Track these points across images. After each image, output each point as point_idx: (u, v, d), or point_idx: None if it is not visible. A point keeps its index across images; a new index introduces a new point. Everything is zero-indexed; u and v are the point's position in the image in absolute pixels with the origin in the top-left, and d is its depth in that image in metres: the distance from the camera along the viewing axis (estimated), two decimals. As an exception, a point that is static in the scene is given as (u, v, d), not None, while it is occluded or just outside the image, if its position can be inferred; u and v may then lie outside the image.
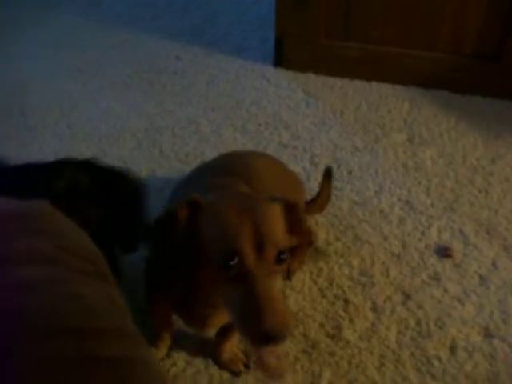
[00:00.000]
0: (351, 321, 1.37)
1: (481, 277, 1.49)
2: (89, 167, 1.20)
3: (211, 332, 1.26)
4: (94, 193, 1.15)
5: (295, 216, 0.95)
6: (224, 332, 1.23)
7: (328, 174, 1.56)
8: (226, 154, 1.49)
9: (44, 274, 0.54)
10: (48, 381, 0.46)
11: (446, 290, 1.45)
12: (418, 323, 1.37)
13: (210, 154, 1.81)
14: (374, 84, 2.24)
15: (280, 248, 0.86)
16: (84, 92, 2.21)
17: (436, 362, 1.29)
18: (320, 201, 1.56)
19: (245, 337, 0.86)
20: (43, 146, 1.91)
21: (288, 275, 1.45)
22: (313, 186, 1.68)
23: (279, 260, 0.86)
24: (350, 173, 1.81)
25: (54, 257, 0.57)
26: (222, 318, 1.04)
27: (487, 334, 1.35)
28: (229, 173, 1.20)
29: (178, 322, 1.32)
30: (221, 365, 1.27)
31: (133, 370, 0.51)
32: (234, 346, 1.28)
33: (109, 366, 0.49)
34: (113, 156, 1.85)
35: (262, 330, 0.79)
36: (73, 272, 0.57)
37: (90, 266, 0.59)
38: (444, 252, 1.54)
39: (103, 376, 0.48)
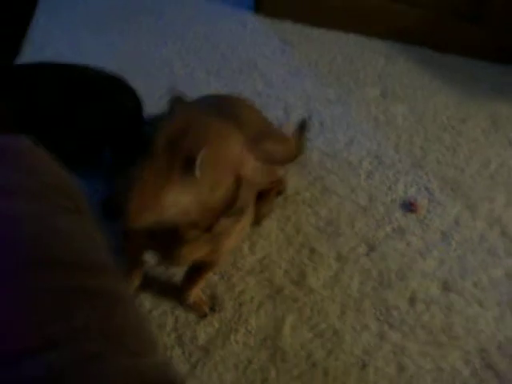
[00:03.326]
0: (315, 269, 1.40)
1: (443, 233, 1.53)
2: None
3: (176, 272, 1.29)
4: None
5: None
6: (190, 277, 1.25)
7: (302, 126, 1.57)
8: (208, 95, 1.47)
9: (29, 208, 0.54)
10: (34, 310, 0.47)
11: (408, 244, 1.49)
12: (380, 274, 1.41)
13: (184, 98, 1.80)
14: (352, 36, 2.22)
15: (190, 157, 0.83)
16: (56, 28, 2.14)
17: (395, 312, 1.33)
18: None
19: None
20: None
21: (257, 220, 1.48)
22: (285, 136, 1.68)
23: (188, 165, 0.83)
24: (321, 124, 1.81)
25: (37, 192, 0.57)
26: (192, 248, 1.04)
27: (445, 288, 1.40)
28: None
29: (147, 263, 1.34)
30: (187, 307, 1.29)
31: (110, 302, 0.52)
32: (199, 290, 1.30)
33: (88, 296, 0.50)
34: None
35: (112, 197, 0.80)
36: (56, 207, 0.57)
37: (71, 203, 0.59)
38: (409, 207, 1.58)
39: (84, 306, 0.49)
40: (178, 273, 1.31)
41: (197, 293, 1.28)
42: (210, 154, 0.85)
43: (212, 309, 1.29)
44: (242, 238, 1.29)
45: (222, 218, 0.97)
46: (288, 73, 2.02)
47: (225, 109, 1.25)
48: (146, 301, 1.29)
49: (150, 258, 1.29)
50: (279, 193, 1.55)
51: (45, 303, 0.47)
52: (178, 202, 0.85)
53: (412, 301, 1.36)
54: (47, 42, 2.06)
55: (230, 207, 0.96)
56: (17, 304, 0.47)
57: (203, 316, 1.27)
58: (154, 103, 1.82)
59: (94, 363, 0.44)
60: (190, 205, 0.87)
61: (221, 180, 0.90)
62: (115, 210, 0.80)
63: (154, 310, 1.28)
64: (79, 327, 0.46)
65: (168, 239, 1.02)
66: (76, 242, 0.55)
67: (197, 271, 1.22)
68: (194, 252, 1.06)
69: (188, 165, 0.83)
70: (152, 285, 1.33)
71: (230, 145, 0.90)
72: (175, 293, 1.30)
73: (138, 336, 0.51)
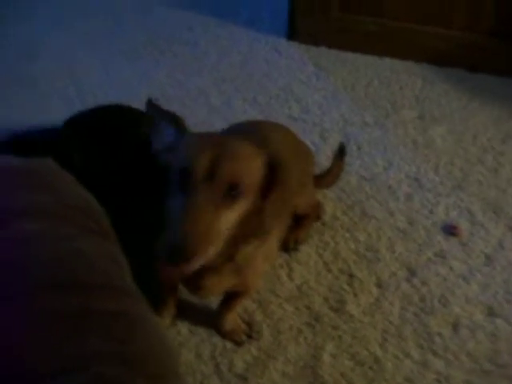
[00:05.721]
0: (355, 295, 1.38)
1: (486, 256, 1.48)
2: None
3: (213, 300, 1.28)
4: None
5: (276, 175, 0.95)
6: (226, 303, 1.24)
7: (341, 151, 1.57)
8: (239, 122, 1.48)
9: (48, 228, 0.54)
10: (45, 332, 0.46)
11: (451, 268, 1.45)
12: (422, 300, 1.37)
13: (220, 126, 1.79)
14: (387, 60, 2.20)
15: (232, 183, 0.88)
16: (94, 58, 2.18)
17: (438, 339, 1.30)
18: (330, 176, 1.56)
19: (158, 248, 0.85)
20: (52, 112, 1.89)
21: (295, 246, 1.46)
22: (321, 161, 1.67)
23: (230, 194, 0.88)
24: (359, 148, 1.80)
25: (58, 212, 0.57)
26: (216, 279, 1.05)
27: (490, 313, 1.35)
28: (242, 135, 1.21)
29: (183, 291, 1.33)
30: (223, 335, 1.27)
31: (130, 326, 0.51)
32: (236, 317, 1.28)
33: (106, 320, 0.49)
34: (122, 124, 1.84)
35: (168, 240, 0.81)
36: (76, 228, 0.57)
37: (93, 224, 0.59)
38: (451, 230, 1.54)
39: (100, 330, 0.48)
40: (214, 300, 1.30)
41: (233, 319, 1.27)
42: (247, 175, 0.91)
43: (249, 336, 1.27)
44: (271, 262, 1.27)
45: (242, 245, 0.98)
46: (324, 98, 2.01)
47: (252, 132, 1.27)
48: (183, 329, 1.29)
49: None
50: (317, 218, 1.54)
51: (56, 324, 0.47)
52: (229, 223, 0.89)
53: (456, 327, 1.32)
54: (85, 73, 2.10)
55: (251, 232, 0.98)
56: (32, 328, 0.46)
57: (240, 344, 1.26)
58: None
59: None
60: (235, 222, 0.91)
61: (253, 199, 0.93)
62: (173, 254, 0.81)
63: (192, 338, 1.27)
64: (91, 352, 0.46)
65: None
66: (98, 265, 0.55)
67: (231, 298, 1.21)
68: (220, 283, 1.06)
69: (231, 190, 0.88)
70: (189, 313, 1.32)
71: (248, 163, 0.93)
72: (212, 320, 1.29)
73: (158, 359, 0.50)
